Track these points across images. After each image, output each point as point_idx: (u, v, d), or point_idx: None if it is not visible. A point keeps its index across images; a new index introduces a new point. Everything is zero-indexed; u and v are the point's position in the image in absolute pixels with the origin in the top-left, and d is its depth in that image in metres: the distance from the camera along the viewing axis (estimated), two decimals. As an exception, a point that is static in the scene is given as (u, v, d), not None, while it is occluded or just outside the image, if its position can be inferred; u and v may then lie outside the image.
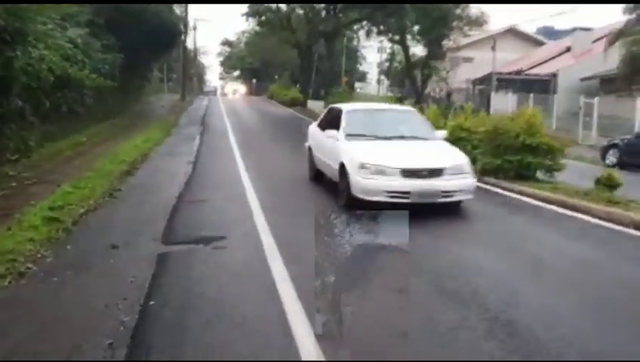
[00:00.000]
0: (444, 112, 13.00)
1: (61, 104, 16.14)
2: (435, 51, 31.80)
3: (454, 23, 30.78)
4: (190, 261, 5.14)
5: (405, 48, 31.24)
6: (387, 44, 63.76)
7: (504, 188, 9.22)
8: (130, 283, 4.51)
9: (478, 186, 9.45)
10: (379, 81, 61.05)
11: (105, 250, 5.43)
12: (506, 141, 9.26)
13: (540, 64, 35.07)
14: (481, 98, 33.58)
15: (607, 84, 26.36)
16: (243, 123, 25.16)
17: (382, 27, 28.97)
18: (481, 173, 9.63)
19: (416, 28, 31.06)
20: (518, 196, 8.75)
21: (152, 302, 4.12)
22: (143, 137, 15.93)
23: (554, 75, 31.06)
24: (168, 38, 27.66)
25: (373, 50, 65.44)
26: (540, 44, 44.11)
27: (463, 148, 11.16)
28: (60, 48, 11.71)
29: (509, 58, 37.43)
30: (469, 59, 42.94)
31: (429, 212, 6.69)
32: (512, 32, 42.76)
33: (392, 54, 44.76)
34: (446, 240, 6.05)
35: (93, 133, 17.29)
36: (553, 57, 35.30)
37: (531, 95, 26.99)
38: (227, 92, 68.32)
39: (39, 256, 5.16)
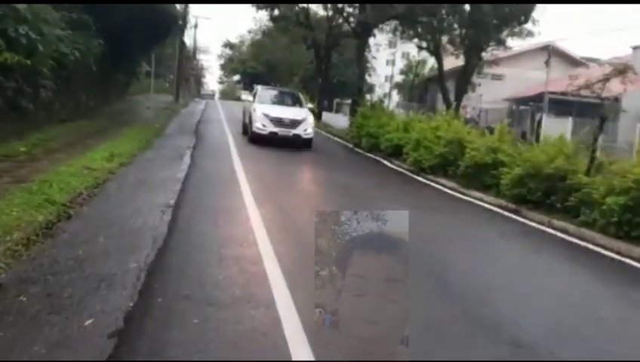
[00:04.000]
0: (588, 144, 8.07)
1: (-7, 97, 11.29)
2: (473, 62, 27.02)
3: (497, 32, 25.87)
4: None
5: (439, 56, 26.39)
6: (398, 55, 59.65)
7: None
8: None
9: None
10: (389, 95, 56.33)
11: None
12: None
13: (591, 85, 30.45)
14: (525, 121, 29.04)
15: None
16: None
17: (419, 29, 24.06)
18: None
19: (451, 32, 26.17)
20: None
21: None
22: (107, 151, 10.87)
23: (616, 99, 26.41)
24: (162, 24, 22.68)
25: (381, 63, 61.25)
26: (579, 64, 39.61)
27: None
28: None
29: (545, 77, 32.81)
30: (498, 77, 38.91)
31: None
32: (549, 49, 38.28)
33: (417, 64, 40.09)
34: None
35: (42, 140, 12.24)
36: (607, 78, 30.71)
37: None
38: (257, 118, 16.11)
39: None
